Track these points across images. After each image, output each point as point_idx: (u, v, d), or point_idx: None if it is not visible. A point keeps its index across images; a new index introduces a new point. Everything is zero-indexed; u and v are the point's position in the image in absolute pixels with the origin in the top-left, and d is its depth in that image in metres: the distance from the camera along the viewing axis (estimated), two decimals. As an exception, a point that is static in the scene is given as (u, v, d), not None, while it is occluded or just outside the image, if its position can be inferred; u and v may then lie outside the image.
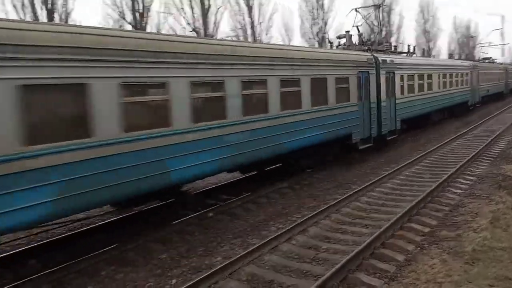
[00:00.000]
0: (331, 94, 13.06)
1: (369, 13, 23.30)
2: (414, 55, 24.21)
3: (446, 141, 18.53)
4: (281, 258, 7.26)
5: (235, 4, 34.55)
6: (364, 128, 15.26)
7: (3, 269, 7.05)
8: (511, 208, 9.46)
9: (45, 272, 6.76)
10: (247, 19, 35.12)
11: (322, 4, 39.02)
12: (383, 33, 47.00)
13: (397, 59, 18.64)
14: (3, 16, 24.88)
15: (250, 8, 34.98)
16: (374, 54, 16.67)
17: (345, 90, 14.03)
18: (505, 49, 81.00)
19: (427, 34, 59.09)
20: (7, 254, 7.71)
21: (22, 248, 7.93)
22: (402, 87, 18.38)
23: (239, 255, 7.07)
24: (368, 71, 15.46)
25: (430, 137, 20.54)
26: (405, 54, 22.90)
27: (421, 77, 20.62)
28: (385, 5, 46.41)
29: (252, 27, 35.07)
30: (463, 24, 75.05)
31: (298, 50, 12.86)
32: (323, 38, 39.26)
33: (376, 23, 44.00)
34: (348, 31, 18.87)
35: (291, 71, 11.37)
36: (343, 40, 19.05)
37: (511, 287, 5.99)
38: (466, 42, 73.55)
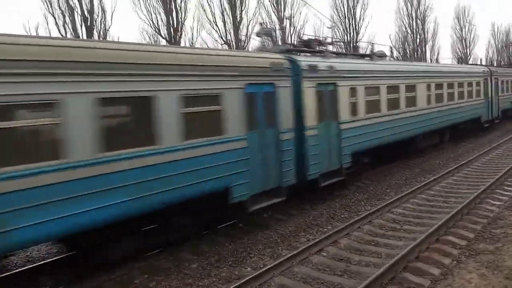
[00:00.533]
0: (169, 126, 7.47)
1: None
2: (387, 58, 18.17)
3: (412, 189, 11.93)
4: (311, 269, 7.19)
5: (267, 16, 34.94)
6: (259, 176, 9.33)
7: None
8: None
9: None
10: (278, 31, 35.38)
11: (354, 13, 38.71)
12: (417, 41, 46.10)
13: (343, 63, 12.57)
14: (45, 34, 26.24)
15: (281, 20, 35.27)
16: (293, 56, 11.07)
17: (213, 117, 8.32)
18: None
19: (463, 41, 57.32)
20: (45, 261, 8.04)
21: (58, 256, 8.25)
22: (354, 104, 12.51)
23: (269, 266, 7.07)
24: (273, 83, 9.71)
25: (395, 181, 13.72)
26: (367, 58, 15.73)
27: (393, 89, 14.59)
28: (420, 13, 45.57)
29: (283, 38, 35.26)
30: (503, 30, 72.29)
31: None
32: (356, 48, 38.93)
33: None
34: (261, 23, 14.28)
35: None
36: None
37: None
38: (506, 49, 70.70)
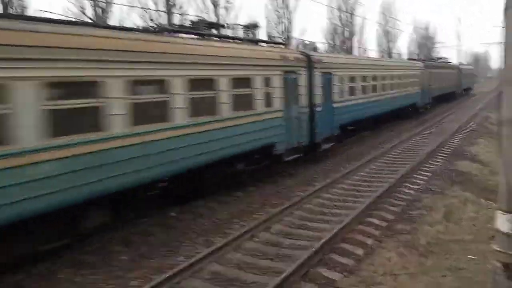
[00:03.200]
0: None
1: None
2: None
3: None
4: (244, 255, 7.30)
5: (201, 2, 34.17)
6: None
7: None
8: (463, 203, 9.96)
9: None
10: (213, 18, 34.81)
11: (287, 4, 39.26)
12: (346, 33, 48.11)
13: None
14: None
15: (216, 7, 34.75)
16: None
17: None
18: (461, 50, 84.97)
19: (388, 35, 60.88)
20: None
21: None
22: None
23: (202, 254, 7.05)
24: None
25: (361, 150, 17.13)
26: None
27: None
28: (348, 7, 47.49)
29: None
30: (422, 25, 77.94)
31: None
32: (288, 38, 39.57)
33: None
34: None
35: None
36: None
37: (462, 277, 6.32)
38: (425, 43, 76.41)
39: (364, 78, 18.87)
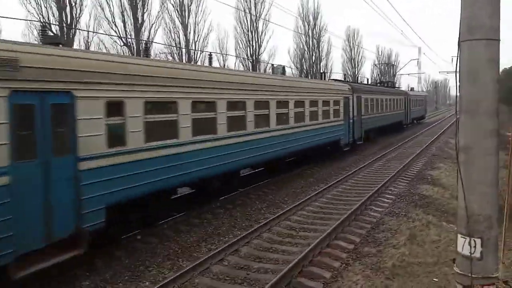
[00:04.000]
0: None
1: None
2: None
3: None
4: (212, 279, 7.19)
5: (170, 22, 34.35)
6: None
7: None
8: (426, 226, 10.28)
9: None
10: (182, 37, 35.01)
11: (257, 27, 40.10)
12: (313, 58, 49.45)
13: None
14: None
15: (185, 27, 34.98)
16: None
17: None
18: (421, 78, 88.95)
19: (352, 61, 63.07)
20: None
21: None
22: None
23: (168, 279, 6.89)
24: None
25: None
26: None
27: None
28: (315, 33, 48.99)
29: (187, 45, 35.00)
30: (385, 53, 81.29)
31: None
32: (257, 60, 40.23)
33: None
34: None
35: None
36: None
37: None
38: (388, 70, 79.61)
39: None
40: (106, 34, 29.27)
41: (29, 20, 25.96)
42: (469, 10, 3.56)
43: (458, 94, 3.79)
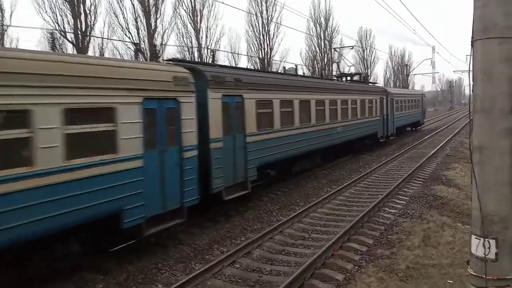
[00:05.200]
0: None
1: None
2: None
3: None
4: (224, 282, 7.19)
5: (183, 27, 34.61)
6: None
7: None
8: (441, 227, 10.12)
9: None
10: (194, 42, 35.24)
11: (268, 30, 40.14)
12: (325, 60, 49.27)
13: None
14: None
15: (197, 31, 35.21)
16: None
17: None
18: (435, 77, 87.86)
19: (365, 62, 62.70)
20: None
21: None
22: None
23: (181, 281, 6.91)
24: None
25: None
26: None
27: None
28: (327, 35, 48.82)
29: (199, 50, 35.21)
30: (398, 53, 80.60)
31: None
32: (268, 63, 40.28)
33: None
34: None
35: None
36: None
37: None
38: (401, 70, 78.91)
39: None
40: (119, 40, 29.64)
41: (45, 29, 26.42)
42: (482, 9, 3.51)
43: (472, 93, 3.73)
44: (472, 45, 3.62)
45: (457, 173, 17.44)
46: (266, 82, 13.31)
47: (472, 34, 3.61)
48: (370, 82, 36.28)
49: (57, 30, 26.72)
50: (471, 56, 3.66)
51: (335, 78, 27.72)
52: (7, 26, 26.75)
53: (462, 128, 39.41)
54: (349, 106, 20.29)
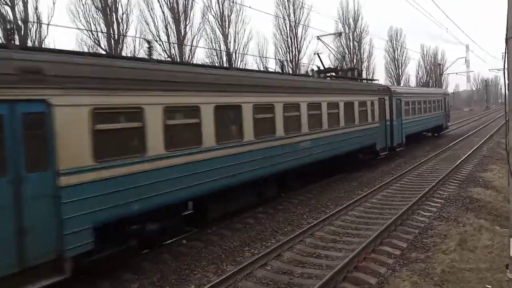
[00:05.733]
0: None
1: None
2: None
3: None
4: (255, 284, 7.24)
5: (211, 32, 35.13)
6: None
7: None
8: (478, 230, 9.79)
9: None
10: (223, 47, 35.67)
11: (296, 33, 40.11)
12: (354, 61, 48.66)
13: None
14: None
15: (225, 36, 35.62)
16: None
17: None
18: (470, 76, 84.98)
19: (396, 62, 61.47)
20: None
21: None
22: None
23: (213, 283, 7.02)
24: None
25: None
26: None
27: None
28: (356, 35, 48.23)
29: (228, 54, 35.59)
30: (431, 52, 78.51)
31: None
32: (296, 65, 40.21)
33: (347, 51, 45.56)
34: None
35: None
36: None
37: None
38: (434, 70, 76.79)
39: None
40: (149, 47, 30.37)
41: (84, 30, 27.44)
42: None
43: (507, 92, 3.63)
44: (506, 42, 3.54)
45: (495, 174, 16.80)
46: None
47: (507, 32, 3.52)
48: (367, 79, 27.83)
49: (90, 38, 27.74)
50: (506, 54, 3.57)
51: (310, 76, 18.30)
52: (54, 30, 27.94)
53: (499, 128, 37.87)
54: (324, 112, 14.17)
